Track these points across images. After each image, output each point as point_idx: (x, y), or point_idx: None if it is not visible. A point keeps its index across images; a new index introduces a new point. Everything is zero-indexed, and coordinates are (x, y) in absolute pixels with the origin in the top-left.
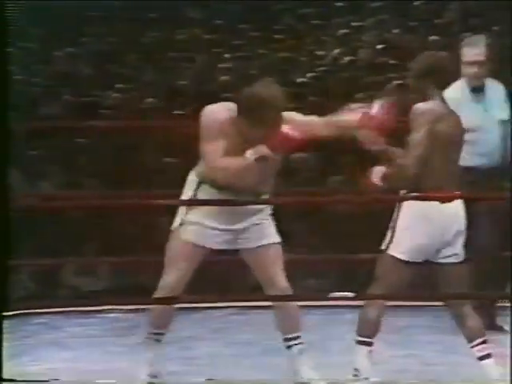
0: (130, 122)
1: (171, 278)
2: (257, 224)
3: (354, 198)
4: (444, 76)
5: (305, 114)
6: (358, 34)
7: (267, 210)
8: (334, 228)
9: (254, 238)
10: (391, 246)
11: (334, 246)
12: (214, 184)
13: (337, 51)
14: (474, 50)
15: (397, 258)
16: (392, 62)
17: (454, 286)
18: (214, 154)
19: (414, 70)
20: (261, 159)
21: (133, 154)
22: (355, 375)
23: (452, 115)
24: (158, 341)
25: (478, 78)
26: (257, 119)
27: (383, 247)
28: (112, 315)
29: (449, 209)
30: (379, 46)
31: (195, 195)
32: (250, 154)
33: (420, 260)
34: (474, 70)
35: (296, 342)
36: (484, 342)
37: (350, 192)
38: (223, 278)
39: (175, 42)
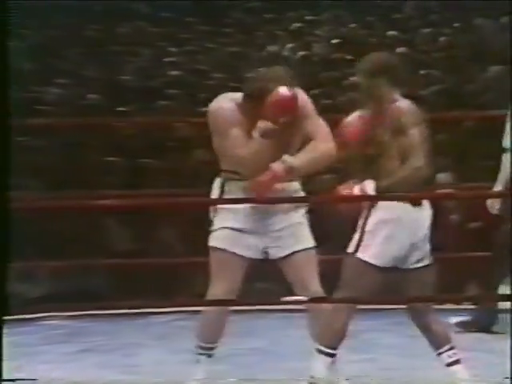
0: (71, 120)
1: (214, 291)
2: (291, 226)
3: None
4: (397, 75)
5: None
6: (313, 29)
7: (302, 208)
8: None
9: (287, 244)
10: (360, 249)
11: None
12: (243, 178)
13: (290, 46)
14: None
15: (366, 262)
16: (348, 57)
17: (421, 292)
18: (234, 146)
19: (365, 70)
20: (266, 134)
21: (75, 153)
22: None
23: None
24: (210, 356)
25: None
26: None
27: (350, 250)
28: (50, 322)
29: (418, 212)
30: (334, 41)
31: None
32: (255, 135)
33: (390, 265)
34: None
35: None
36: (452, 348)
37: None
38: (167, 283)
39: (119, 35)
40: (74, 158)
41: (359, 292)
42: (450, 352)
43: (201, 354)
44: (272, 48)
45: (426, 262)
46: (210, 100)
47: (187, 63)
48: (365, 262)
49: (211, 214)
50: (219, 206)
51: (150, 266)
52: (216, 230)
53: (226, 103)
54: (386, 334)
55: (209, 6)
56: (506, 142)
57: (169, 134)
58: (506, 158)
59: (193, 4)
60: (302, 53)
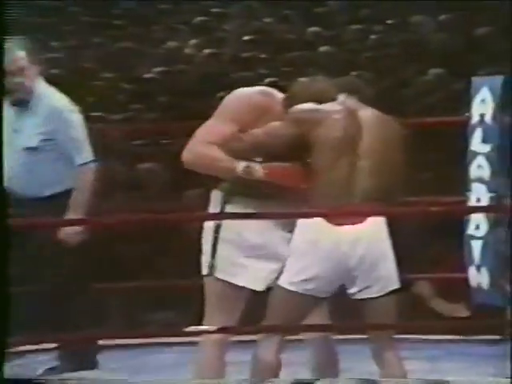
0: None
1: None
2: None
3: None
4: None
5: (152, 116)
6: (220, 23)
7: None
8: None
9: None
10: (280, 275)
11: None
12: (251, 192)
13: (193, 42)
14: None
15: (286, 289)
16: (262, 56)
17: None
18: (206, 136)
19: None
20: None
21: None
22: None
23: None
24: None
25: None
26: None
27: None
28: None
29: (347, 232)
30: (246, 38)
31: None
32: (241, 166)
33: (318, 294)
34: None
35: None
36: None
37: None
38: None
39: None
40: None
41: (285, 322)
42: None
43: None
44: (172, 44)
45: (379, 291)
46: (98, 104)
47: (69, 60)
48: (286, 289)
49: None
50: None
51: None
52: None
53: (258, 98)
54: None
55: None
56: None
57: None
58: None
59: None
60: (208, 50)
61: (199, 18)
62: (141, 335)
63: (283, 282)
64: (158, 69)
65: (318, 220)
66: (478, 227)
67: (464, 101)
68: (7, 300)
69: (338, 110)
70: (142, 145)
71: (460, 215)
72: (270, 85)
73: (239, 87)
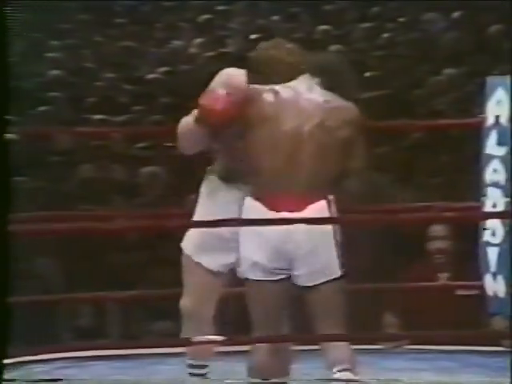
0: None
1: None
2: None
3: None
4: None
5: (155, 118)
6: (225, 21)
7: None
8: None
9: None
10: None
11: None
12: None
13: (198, 41)
14: None
15: (247, 279)
16: None
17: (321, 312)
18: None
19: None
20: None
21: None
22: None
23: None
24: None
25: None
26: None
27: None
28: None
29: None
30: (252, 36)
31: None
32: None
33: (269, 278)
34: None
35: None
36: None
37: None
38: None
39: None
40: None
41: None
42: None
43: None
44: (176, 43)
45: (318, 278)
46: (98, 104)
47: (69, 60)
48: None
49: None
50: None
51: None
52: None
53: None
54: None
55: None
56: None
57: (47, 147)
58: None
59: None
60: (212, 50)
61: (203, 16)
62: (141, 345)
63: (242, 272)
64: (161, 69)
65: (258, 205)
66: (494, 234)
67: (478, 102)
68: (7, 310)
69: (269, 92)
70: (144, 148)
71: (475, 221)
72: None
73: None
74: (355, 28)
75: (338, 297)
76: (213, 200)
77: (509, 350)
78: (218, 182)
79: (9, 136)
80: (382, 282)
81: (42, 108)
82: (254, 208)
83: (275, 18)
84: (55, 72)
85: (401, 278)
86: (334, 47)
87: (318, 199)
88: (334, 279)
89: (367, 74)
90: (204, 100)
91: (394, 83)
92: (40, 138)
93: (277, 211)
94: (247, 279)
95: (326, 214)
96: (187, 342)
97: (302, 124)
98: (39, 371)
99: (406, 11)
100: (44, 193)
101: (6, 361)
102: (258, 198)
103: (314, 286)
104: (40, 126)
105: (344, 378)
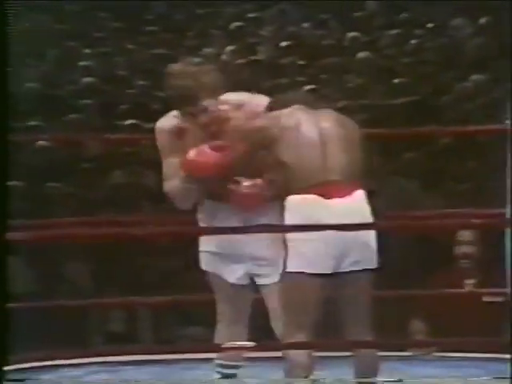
0: None
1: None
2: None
3: None
4: None
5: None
6: (256, 28)
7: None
8: None
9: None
10: (288, 263)
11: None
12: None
13: (230, 49)
14: None
15: (300, 273)
16: (300, 62)
17: (355, 299)
18: (165, 175)
19: None
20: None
21: None
22: None
23: None
24: None
25: None
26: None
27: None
28: None
29: (338, 205)
30: (283, 44)
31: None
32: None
33: (325, 271)
34: None
35: None
36: None
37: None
38: None
39: (17, 33)
40: None
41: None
42: None
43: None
44: (207, 50)
45: (363, 265)
46: (130, 112)
47: (101, 68)
48: (299, 273)
49: None
50: None
51: None
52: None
53: (169, 122)
54: None
55: None
56: None
57: (79, 153)
58: None
59: None
60: (243, 57)
61: (234, 24)
62: (173, 350)
63: (291, 267)
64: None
65: (309, 197)
66: None
67: (505, 107)
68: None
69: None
70: None
71: (502, 227)
72: (310, 91)
73: (276, 94)
74: (384, 34)
75: (369, 287)
76: (213, 222)
77: None
78: (211, 204)
79: (39, 143)
80: (409, 288)
81: (75, 115)
82: (305, 200)
83: (305, 25)
84: (88, 79)
85: (428, 283)
86: (362, 54)
87: (357, 188)
88: (371, 269)
89: (396, 81)
90: (192, 156)
91: (422, 89)
92: (72, 145)
93: (328, 198)
94: (294, 273)
95: (366, 202)
96: (219, 348)
97: (318, 126)
98: (71, 375)
99: (434, 17)
100: (75, 199)
101: (41, 363)
102: (305, 192)
103: (356, 271)
104: (72, 132)
105: None
